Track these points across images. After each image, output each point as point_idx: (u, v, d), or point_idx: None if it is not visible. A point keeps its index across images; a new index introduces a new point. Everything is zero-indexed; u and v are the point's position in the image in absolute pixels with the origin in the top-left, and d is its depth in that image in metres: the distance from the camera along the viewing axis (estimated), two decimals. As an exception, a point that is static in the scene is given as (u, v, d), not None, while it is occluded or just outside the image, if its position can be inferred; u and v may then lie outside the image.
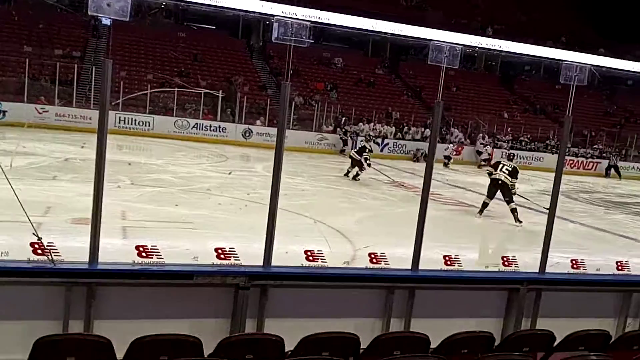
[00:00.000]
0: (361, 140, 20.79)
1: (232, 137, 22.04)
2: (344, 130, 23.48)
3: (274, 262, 4.42)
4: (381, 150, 23.17)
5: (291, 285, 4.49)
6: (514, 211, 10.83)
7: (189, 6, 25.36)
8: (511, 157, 12.80)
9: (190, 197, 10.37)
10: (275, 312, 4.33)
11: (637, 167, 26.95)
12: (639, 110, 33.57)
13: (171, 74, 24.83)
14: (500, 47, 30.02)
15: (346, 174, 14.99)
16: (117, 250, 5.40)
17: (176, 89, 22.76)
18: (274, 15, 23.58)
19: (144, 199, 9.66)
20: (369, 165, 14.36)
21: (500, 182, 10.81)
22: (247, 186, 12.01)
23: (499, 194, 10.99)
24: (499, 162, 11.56)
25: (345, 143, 22.99)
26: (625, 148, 28.11)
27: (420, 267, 4.80)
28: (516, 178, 11.04)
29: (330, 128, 24.15)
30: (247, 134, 22.34)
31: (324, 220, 9.09)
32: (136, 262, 4.12)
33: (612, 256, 7.01)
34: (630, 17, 33.80)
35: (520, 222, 10.76)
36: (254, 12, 25.56)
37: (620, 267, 5.49)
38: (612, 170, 25.76)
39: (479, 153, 24.13)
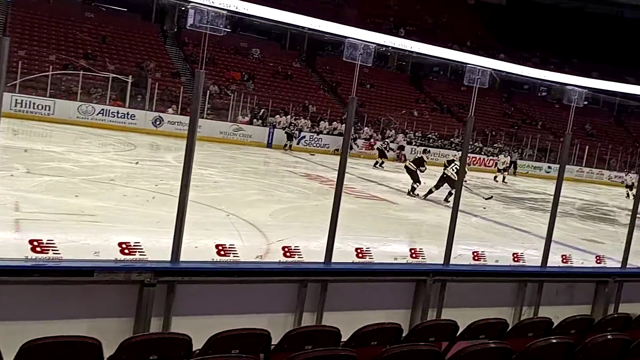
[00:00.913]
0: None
1: (142, 125, 21.02)
2: (288, 123, 23.17)
3: (182, 257, 4.24)
4: (297, 143, 23.27)
5: (201, 281, 4.34)
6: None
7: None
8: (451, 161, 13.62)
9: (93, 188, 9.76)
10: (184, 309, 4.15)
11: (532, 165, 29.23)
12: (533, 113, 36.46)
13: (76, 55, 23.26)
14: (411, 48, 31.19)
15: (411, 192, 13.41)
16: (7, 245, 5.00)
17: (81, 72, 21.35)
18: (189, 2, 22.61)
19: (40, 189, 8.94)
20: (422, 171, 13.46)
21: (446, 176, 12.86)
22: (156, 177, 11.53)
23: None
24: (452, 161, 13.15)
25: (289, 137, 22.69)
26: (522, 147, 30.40)
27: (333, 259, 4.84)
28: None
29: (247, 119, 23.82)
30: (158, 122, 21.43)
31: (237, 213, 8.93)
32: (29, 257, 3.77)
33: (509, 248, 7.53)
34: (527, 27, 36.57)
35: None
36: (169, -4, 24.59)
37: (516, 259, 5.88)
38: (512, 166, 27.77)
39: (402, 148, 25.35)
